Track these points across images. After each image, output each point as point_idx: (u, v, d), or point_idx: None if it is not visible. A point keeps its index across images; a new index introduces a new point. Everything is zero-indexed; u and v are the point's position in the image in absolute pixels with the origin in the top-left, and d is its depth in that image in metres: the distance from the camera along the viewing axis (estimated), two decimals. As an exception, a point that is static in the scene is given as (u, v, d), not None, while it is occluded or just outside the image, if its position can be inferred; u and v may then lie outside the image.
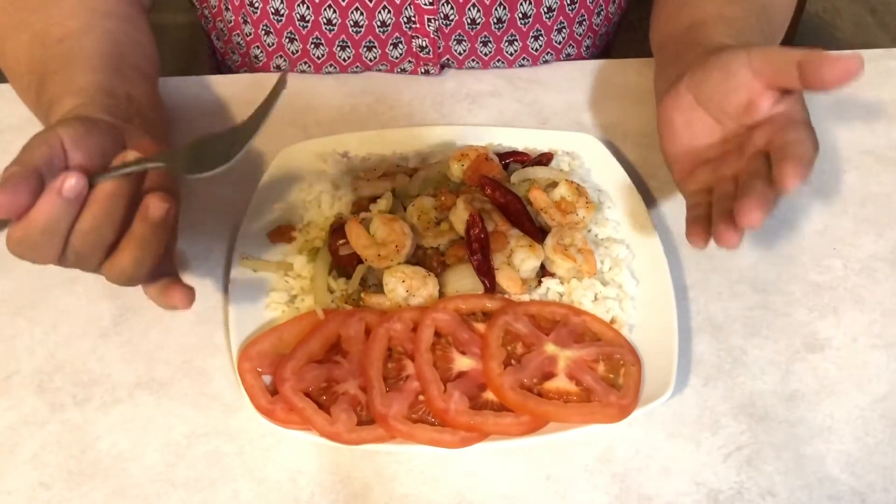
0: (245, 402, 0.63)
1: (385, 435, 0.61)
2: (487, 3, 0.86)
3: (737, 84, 0.64)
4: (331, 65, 0.90)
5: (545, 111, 0.89)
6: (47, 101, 0.66)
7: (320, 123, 0.86)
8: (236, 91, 0.90)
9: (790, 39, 1.32)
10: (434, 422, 0.62)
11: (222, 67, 1.05)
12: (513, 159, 0.79)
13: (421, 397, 0.63)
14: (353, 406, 0.62)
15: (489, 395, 0.63)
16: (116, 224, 0.54)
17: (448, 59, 0.91)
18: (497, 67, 0.92)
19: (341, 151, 0.81)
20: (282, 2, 0.85)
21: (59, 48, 0.70)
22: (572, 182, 0.75)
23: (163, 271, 0.61)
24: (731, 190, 0.62)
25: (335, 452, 0.63)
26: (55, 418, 0.65)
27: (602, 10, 0.94)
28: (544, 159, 0.79)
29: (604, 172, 0.80)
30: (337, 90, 0.90)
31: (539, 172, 0.77)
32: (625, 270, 0.72)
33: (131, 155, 0.54)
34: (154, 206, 0.54)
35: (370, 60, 0.90)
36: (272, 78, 0.92)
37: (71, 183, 0.51)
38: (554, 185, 0.75)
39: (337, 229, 0.72)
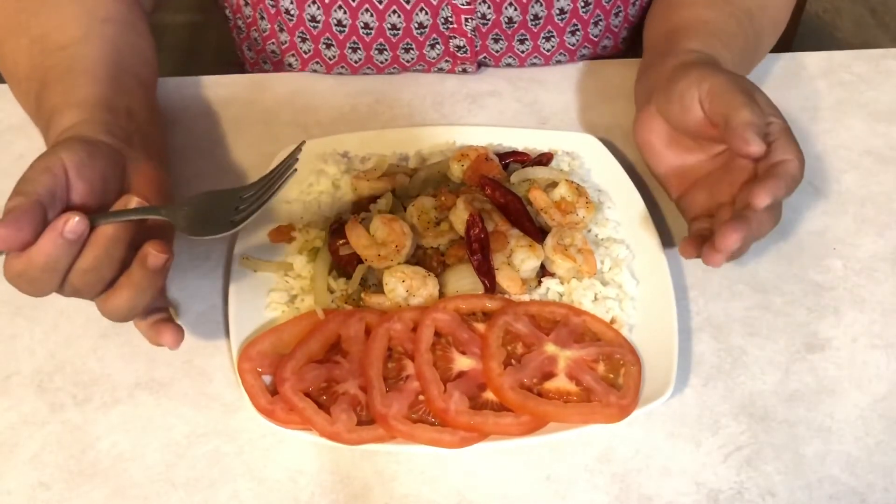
0: (245, 402, 0.63)
1: (385, 435, 0.61)
2: (524, 0, 0.85)
3: (694, 117, 0.67)
4: (368, 68, 0.90)
5: (545, 111, 0.89)
6: (48, 110, 0.66)
7: (320, 123, 0.86)
8: (236, 91, 0.89)
9: (790, 39, 1.32)
10: (434, 422, 0.62)
11: None
12: (513, 159, 0.79)
13: (421, 397, 0.63)
14: (353, 406, 0.62)
15: (489, 395, 0.63)
16: (115, 265, 0.56)
17: (485, 58, 0.91)
18: (534, 64, 0.92)
19: (341, 151, 0.81)
20: (318, 8, 0.85)
21: (59, 56, 0.69)
22: (572, 182, 0.75)
23: (154, 306, 0.62)
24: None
25: (335, 452, 0.63)
26: (55, 418, 0.65)
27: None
28: (544, 159, 0.79)
29: (604, 172, 0.80)
30: (337, 90, 0.90)
31: (539, 172, 0.77)
32: (625, 270, 0.72)
33: (134, 201, 0.56)
34: (153, 256, 0.55)
35: (408, 62, 0.90)
36: (274, 79, 0.93)
37: (73, 224, 0.52)
38: (554, 185, 0.75)
39: (337, 229, 0.72)
